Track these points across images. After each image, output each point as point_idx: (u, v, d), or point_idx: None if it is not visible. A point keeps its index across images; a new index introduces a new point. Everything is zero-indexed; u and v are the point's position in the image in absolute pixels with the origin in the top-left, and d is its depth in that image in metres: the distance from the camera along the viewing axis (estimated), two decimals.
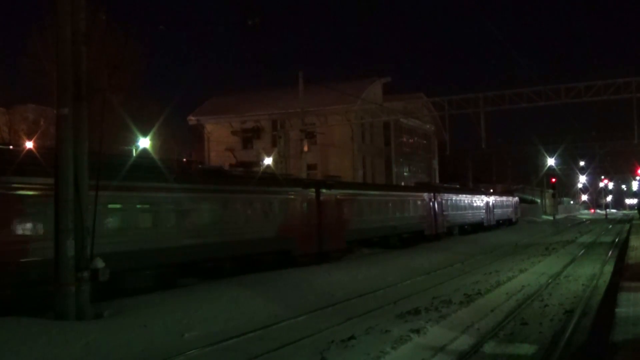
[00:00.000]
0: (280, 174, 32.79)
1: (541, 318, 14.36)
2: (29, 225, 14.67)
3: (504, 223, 60.35)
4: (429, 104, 52.77)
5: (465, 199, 48.29)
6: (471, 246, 35.89)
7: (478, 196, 53.23)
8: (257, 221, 22.84)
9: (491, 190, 64.01)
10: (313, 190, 26.82)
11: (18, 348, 10.97)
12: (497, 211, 57.84)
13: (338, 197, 28.76)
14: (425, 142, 69.34)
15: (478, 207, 51.67)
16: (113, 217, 16.91)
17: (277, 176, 28.99)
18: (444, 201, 42.81)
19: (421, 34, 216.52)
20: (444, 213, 42.50)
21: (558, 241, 40.14)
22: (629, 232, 41.45)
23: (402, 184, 56.92)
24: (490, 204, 55.11)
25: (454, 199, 45.03)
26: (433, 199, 40.91)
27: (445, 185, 52.98)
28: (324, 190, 27.47)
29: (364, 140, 55.82)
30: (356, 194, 31.53)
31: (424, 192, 41.32)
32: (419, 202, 39.25)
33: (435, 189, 43.13)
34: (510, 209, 64.77)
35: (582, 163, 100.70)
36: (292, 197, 25.38)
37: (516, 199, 70.38)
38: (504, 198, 63.49)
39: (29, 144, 39.97)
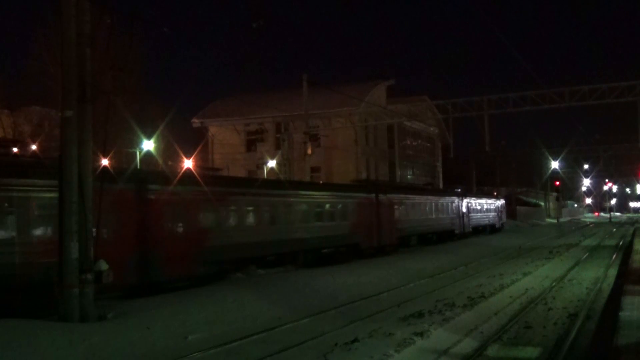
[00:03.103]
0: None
1: (545, 321, 14.32)
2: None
3: (484, 230, 54.14)
4: (433, 107, 52.82)
5: (425, 201, 40.43)
6: (475, 249, 35.93)
7: (447, 198, 45.62)
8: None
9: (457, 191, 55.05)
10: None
11: (22, 349, 11.00)
12: (476, 216, 51.98)
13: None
14: (429, 145, 69.33)
15: (443, 210, 43.89)
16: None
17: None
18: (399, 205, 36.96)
19: (425, 37, 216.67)
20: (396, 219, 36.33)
21: (562, 244, 40.06)
22: (633, 236, 41.34)
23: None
24: (464, 207, 47.95)
25: (408, 202, 37.11)
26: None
27: (394, 184, 45.21)
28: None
29: (367, 143, 55.81)
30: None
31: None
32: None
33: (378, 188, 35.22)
34: (492, 214, 58.56)
35: (586, 166, 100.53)
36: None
37: (501, 202, 63.93)
38: (484, 200, 57.13)
39: (33, 146, 40.18)
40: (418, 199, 38.72)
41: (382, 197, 32.10)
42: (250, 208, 22.54)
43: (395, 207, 34.05)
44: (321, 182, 44.14)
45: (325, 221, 27.22)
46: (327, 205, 27.76)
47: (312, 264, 25.10)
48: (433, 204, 41.23)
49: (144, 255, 17.26)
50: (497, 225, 58.94)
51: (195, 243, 19.11)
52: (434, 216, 41.01)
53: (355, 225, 29.24)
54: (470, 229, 49.11)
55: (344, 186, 34.16)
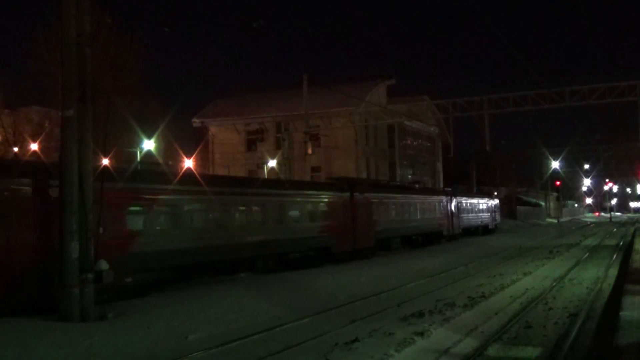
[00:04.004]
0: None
1: (545, 321, 14.32)
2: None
3: (476, 231, 52.04)
4: (433, 107, 52.82)
5: (408, 201, 37.95)
6: (476, 249, 35.93)
7: (434, 197, 43.48)
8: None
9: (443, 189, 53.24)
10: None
11: (22, 349, 11.00)
12: (467, 216, 49.89)
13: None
14: (429, 144, 69.34)
15: (430, 210, 41.30)
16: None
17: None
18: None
19: (425, 37, 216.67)
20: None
21: (562, 244, 40.04)
22: (633, 236, 41.33)
23: None
24: (453, 207, 45.55)
25: (389, 201, 34.80)
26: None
27: (374, 182, 41.10)
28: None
29: (368, 142, 55.83)
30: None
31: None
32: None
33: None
34: (485, 214, 56.35)
35: (586, 166, 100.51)
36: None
37: (495, 201, 61.59)
38: (476, 200, 54.66)
39: (34, 146, 40.23)
40: (401, 198, 36.63)
41: (358, 196, 29.84)
42: (195, 208, 20.15)
43: (374, 207, 31.63)
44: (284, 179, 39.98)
45: (289, 223, 24.77)
46: (292, 205, 25.33)
47: (275, 270, 22.96)
48: (418, 203, 38.93)
49: (42, 265, 14.27)
50: (490, 226, 56.72)
51: (118, 249, 15.97)
52: (418, 217, 38.49)
53: (326, 227, 26.93)
54: (461, 230, 46.77)
55: (315, 184, 32.70)
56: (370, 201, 31.15)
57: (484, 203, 56.52)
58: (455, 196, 46.28)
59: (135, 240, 16.89)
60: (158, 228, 18.42)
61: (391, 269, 24.76)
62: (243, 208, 22.53)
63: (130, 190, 16.84)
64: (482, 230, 54.01)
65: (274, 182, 29.81)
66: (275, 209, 24.02)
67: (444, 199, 43.89)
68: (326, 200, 27.80)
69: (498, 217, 61.81)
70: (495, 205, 60.34)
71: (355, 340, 11.74)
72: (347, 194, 29.14)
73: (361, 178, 38.59)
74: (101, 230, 14.75)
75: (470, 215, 51.02)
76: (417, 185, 47.67)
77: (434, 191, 48.38)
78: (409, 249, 36.01)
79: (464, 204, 49.45)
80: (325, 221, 27.12)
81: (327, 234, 26.86)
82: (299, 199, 25.91)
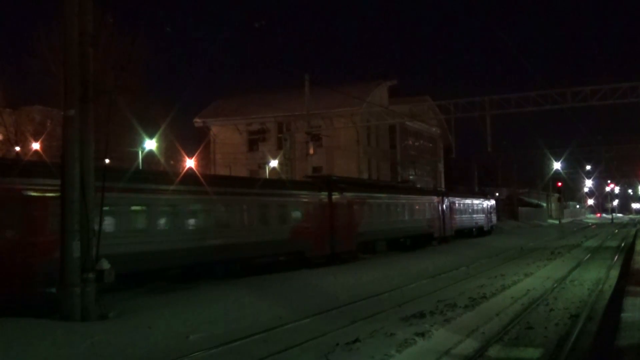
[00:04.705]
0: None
1: (546, 322, 14.31)
2: None
3: (470, 233, 49.89)
4: (435, 107, 52.82)
5: (395, 201, 35.73)
6: (477, 250, 35.89)
7: (424, 197, 41.31)
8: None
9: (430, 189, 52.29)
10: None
11: (23, 348, 11.01)
12: (460, 217, 47.85)
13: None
14: (431, 145, 69.32)
15: (420, 211, 39.20)
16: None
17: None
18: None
19: (427, 37, 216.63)
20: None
21: (564, 245, 40.03)
22: (634, 237, 41.30)
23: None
24: (445, 207, 43.43)
25: (373, 202, 32.47)
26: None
27: (357, 181, 38.64)
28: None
29: (369, 143, 55.85)
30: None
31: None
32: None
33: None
34: (480, 215, 53.97)
35: (588, 167, 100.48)
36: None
37: (491, 202, 59.10)
38: (470, 200, 52.27)
39: (36, 145, 40.29)
40: (386, 198, 34.40)
41: (337, 196, 27.93)
42: (138, 209, 18.03)
43: (356, 207, 29.77)
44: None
45: (254, 225, 22.63)
46: (258, 206, 23.12)
47: (239, 276, 20.86)
48: (406, 203, 36.84)
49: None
50: (485, 228, 54.55)
51: (37, 256, 14.35)
52: (407, 218, 36.45)
53: (299, 229, 24.94)
54: (453, 232, 44.63)
55: (288, 183, 30.41)
56: (351, 201, 29.41)
57: (478, 203, 54.38)
58: (447, 196, 44.87)
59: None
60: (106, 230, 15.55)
61: (362, 275, 22.60)
62: (198, 208, 20.22)
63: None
64: (477, 231, 51.95)
65: (238, 181, 27.68)
66: (238, 210, 22.18)
67: (434, 199, 42.14)
68: (300, 200, 25.97)
69: (494, 218, 59.97)
70: (491, 206, 58.19)
71: (356, 340, 11.74)
72: (325, 194, 27.45)
73: (341, 176, 36.00)
74: None
75: (464, 216, 48.96)
76: (406, 185, 46.20)
77: (423, 191, 46.45)
78: (398, 252, 33.54)
79: (457, 205, 47.42)
80: (298, 223, 25.28)
81: (301, 236, 24.92)
82: (266, 199, 23.71)
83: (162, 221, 18.70)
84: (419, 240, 37.56)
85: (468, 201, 51.47)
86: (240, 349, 11.91)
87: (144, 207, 18.08)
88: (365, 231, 30.15)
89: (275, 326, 13.92)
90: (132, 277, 17.10)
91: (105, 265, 13.87)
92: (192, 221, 19.99)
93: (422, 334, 12.24)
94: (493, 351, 11.70)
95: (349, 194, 29.35)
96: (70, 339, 11.71)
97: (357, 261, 27.74)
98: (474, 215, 52.30)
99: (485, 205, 56.00)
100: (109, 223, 15.93)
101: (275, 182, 31.25)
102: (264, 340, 12.63)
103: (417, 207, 38.64)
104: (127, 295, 16.22)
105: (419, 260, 28.64)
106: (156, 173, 27.46)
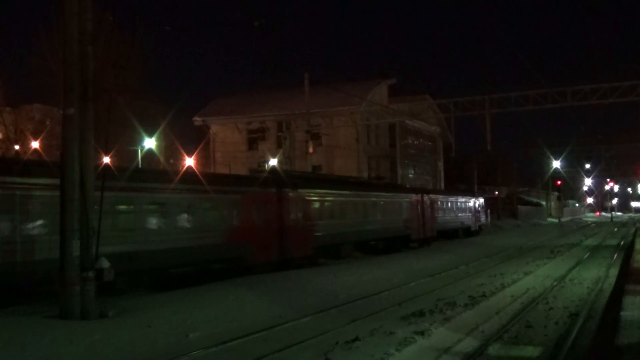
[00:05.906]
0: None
1: (546, 321, 14.31)
2: None
3: (455, 233, 46.68)
4: (435, 106, 52.84)
5: (362, 199, 32.23)
6: (476, 249, 35.87)
7: (400, 195, 38.20)
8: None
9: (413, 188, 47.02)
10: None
11: (23, 346, 11.02)
12: (444, 217, 44.61)
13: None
14: (430, 144, 69.33)
15: (394, 210, 35.90)
16: None
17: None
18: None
19: (427, 36, 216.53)
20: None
21: (563, 244, 40.01)
22: (634, 236, 41.27)
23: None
24: (425, 206, 40.28)
25: (334, 199, 29.33)
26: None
27: (316, 176, 36.65)
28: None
29: (369, 141, 55.84)
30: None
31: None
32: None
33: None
34: (466, 214, 50.69)
35: (587, 166, 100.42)
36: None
37: (480, 200, 55.92)
38: (455, 199, 48.89)
39: (35, 144, 40.28)
40: (352, 195, 30.89)
41: (289, 193, 24.72)
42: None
43: (314, 206, 26.88)
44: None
45: (172, 228, 19.04)
46: (178, 206, 19.48)
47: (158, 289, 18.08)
48: (377, 202, 33.63)
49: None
50: (473, 228, 51.38)
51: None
52: (378, 218, 33.18)
53: (236, 232, 21.58)
54: (435, 233, 41.32)
55: (222, 178, 27.26)
56: (307, 199, 26.24)
57: (464, 202, 50.81)
58: (427, 194, 42.05)
59: None
60: None
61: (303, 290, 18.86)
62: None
63: None
64: (464, 232, 48.89)
65: (154, 174, 22.24)
66: (148, 211, 18.43)
67: (412, 197, 38.70)
68: (240, 198, 22.32)
69: (483, 217, 56.85)
70: (479, 205, 54.96)
71: (356, 339, 11.75)
72: (273, 190, 24.17)
73: (295, 171, 33.48)
74: None
75: (447, 216, 45.50)
76: (380, 181, 43.51)
77: (400, 188, 43.23)
78: (371, 255, 30.63)
79: (439, 204, 43.86)
80: (236, 224, 21.93)
81: (240, 240, 21.55)
82: (190, 196, 19.97)
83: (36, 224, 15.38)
84: (394, 243, 34.44)
85: (452, 199, 47.97)
86: (240, 348, 11.91)
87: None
88: (326, 233, 26.92)
89: (274, 325, 13.92)
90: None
91: (105, 264, 13.88)
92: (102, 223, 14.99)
93: (422, 333, 12.24)
94: (493, 350, 11.70)
95: (304, 191, 26.09)
96: (69, 337, 11.72)
97: (313, 268, 24.50)
98: (459, 215, 48.96)
99: (472, 204, 52.77)
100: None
101: (211, 177, 26.49)
102: (264, 339, 12.63)
103: (391, 206, 35.26)
104: (127, 294, 16.22)
105: (419, 259, 28.58)
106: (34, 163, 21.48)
